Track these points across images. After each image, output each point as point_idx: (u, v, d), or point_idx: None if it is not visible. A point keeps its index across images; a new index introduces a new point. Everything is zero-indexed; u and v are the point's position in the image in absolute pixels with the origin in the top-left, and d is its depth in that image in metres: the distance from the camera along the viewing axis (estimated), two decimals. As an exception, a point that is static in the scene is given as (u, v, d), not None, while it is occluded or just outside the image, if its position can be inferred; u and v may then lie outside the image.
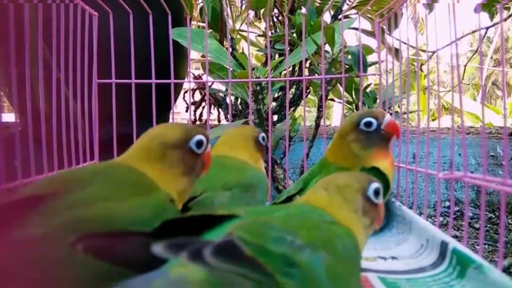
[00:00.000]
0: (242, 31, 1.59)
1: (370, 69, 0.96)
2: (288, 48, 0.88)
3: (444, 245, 0.51)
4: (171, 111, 0.97)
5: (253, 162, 0.60)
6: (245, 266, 0.23)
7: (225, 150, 0.59)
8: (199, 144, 0.43)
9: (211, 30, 1.36)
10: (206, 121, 1.94)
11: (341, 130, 0.63)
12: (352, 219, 0.35)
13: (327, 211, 0.35)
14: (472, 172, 0.58)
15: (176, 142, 0.41)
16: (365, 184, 0.38)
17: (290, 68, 1.50)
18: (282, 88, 1.33)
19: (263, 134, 0.63)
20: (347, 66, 0.95)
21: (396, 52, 1.07)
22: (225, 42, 1.37)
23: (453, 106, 0.86)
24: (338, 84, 1.17)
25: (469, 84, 8.53)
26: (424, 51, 1.17)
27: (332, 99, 1.37)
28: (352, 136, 0.60)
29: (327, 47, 0.99)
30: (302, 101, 1.32)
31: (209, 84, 1.33)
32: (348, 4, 1.51)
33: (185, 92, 1.92)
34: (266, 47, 1.41)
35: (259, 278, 0.23)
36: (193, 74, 1.90)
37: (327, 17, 1.52)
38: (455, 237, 1.07)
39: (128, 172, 0.38)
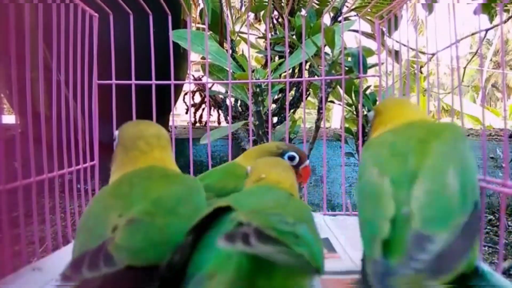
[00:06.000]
0: (242, 33, 1.59)
1: (370, 71, 0.96)
2: (288, 50, 0.88)
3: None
4: (171, 112, 0.97)
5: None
6: (279, 245, 0.26)
7: None
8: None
9: (211, 32, 1.36)
10: (206, 122, 1.94)
11: None
12: (296, 187, 0.47)
13: (281, 187, 0.43)
14: (472, 174, 0.58)
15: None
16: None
17: (290, 70, 1.51)
18: (282, 90, 1.33)
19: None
20: (347, 68, 0.95)
21: (396, 54, 1.07)
22: (225, 44, 1.38)
23: (453, 108, 0.86)
24: (338, 86, 1.17)
25: (469, 86, 8.53)
26: (424, 53, 1.17)
27: (332, 101, 1.37)
28: None
29: (327, 49, 0.99)
30: (302, 103, 1.32)
31: (209, 85, 1.33)
32: (347, 6, 1.51)
33: (185, 94, 1.93)
34: (266, 49, 1.41)
35: (293, 252, 0.27)
36: (193, 76, 1.90)
37: (327, 19, 1.53)
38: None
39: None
